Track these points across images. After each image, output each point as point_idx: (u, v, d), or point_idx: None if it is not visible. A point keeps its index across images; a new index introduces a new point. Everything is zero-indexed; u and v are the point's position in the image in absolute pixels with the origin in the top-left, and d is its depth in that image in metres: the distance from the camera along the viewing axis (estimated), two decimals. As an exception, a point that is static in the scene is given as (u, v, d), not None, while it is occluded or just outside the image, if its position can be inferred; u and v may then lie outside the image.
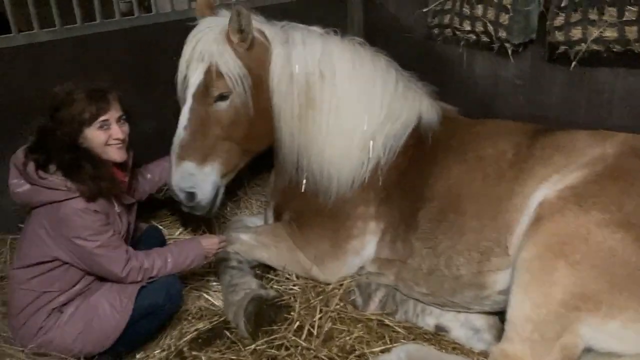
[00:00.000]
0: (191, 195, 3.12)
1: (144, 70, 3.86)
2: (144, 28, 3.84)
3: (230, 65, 2.97)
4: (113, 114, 2.76)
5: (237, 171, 3.31)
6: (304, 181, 3.23)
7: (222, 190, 3.26)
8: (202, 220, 3.77)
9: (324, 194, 3.18)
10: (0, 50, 3.34)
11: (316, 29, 3.32)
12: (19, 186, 2.69)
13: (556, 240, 2.40)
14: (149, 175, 3.31)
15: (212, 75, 2.98)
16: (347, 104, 3.12)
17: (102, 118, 2.72)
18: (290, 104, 3.08)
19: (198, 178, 3.09)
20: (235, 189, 4.23)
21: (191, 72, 3.04)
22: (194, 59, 3.02)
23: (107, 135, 2.75)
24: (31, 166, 2.66)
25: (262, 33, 3.13)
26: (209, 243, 2.99)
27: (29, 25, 3.50)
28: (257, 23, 3.17)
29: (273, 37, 3.14)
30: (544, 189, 2.61)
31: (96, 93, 2.73)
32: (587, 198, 2.44)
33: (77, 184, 2.64)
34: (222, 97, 3.02)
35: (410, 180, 3.09)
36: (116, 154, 2.80)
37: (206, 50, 2.98)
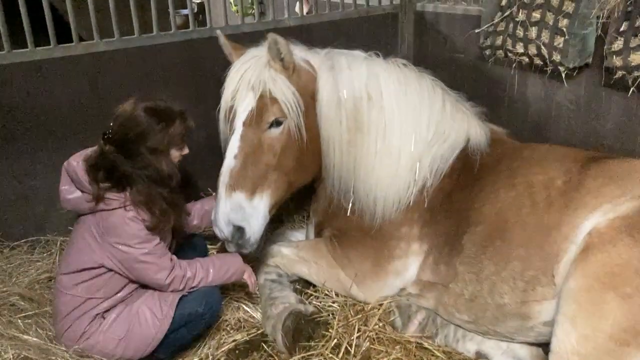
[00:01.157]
0: (239, 231, 2.92)
1: (197, 82, 3.95)
2: (198, 41, 3.93)
3: (285, 90, 2.93)
4: None
5: (279, 206, 3.18)
6: (350, 205, 3.18)
7: (266, 226, 3.07)
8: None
9: (370, 215, 3.14)
10: (61, 59, 3.48)
11: (359, 52, 3.30)
12: (69, 193, 2.78)
13: (606, 271, 2.32)
14: (188, 216, 3.30)
15: (265, 101, 2.93)
16: (394, 126, 3.10)
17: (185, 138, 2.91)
18: (339, 130, 3.05)
19: (247, 212, 2.91)
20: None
21: (239, 101, 2.98)
22: (241, 88, 2.97)
23: (180, 154, 2.92)
24: (86, 177, 2.72)
25: (307, 62, 3.13)
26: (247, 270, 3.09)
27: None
28: (301, 52, 3.17)
29: (319, 65, 3.14)
30: (595, 219, 2.52)
31: (185, 113, 2.89)
32: (640, 229, 2.36)
33: (145, 213, 2.73)
34: (277, 123, 2.96)
35: (456, 203, 3.04)
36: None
37: (257, 77, 2.93)
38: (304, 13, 4.85)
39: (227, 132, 3.08)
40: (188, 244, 3.38)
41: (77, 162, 2.77)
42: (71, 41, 3.54)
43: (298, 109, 2.96)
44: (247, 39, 3.97)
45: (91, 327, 2.75)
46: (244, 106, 2.97)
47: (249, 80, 2.95)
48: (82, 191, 2.74)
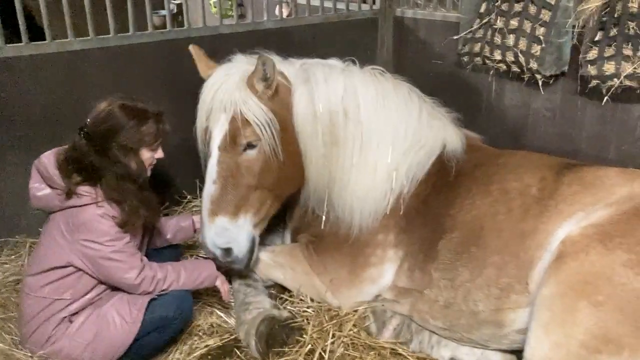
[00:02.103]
0: (227, 252, 2.99)
1: (174, 83, 3.91)
2: (175, 41, 3.88)
3: (256, 111, 2.87)
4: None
5: (269, 218, 3.20)
6: (324, 217, 3.16)
7: (257, 241, 3.12)
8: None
9: (346, 227, 3.11)
10: (34, 57, 3.40)
11: (336, 63, 3.26)
12: (39, 190, 2.73)
13: (579, 280, 2.33)
14: (162, 230, 3.28)
15: (237, 124, 2.88)
16: (372, 139, 3.07)
17: (159, 140, 2.87)
18: (316, 144, 3.02)
19: (232, 232, 2.96)
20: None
21: (213, 123, 2.95)
22: (214, 109, 2.93)
23: (152, 156, 2.87)
24: (57, 172, 2.69)
25: (282, 74, 3.07)
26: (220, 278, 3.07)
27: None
28: (276, 63, 3.08)
29: (294, 78, 3.09)
30: (568, 226, 2.54)
31: (161, 115, 2.86)
32: (612, 237, 2.37)
33: (116, 209, 2.69)
34: (251, 146, 2.93)
35: (431, 209, 3.03)
36: (149, 172, 2.92)
37: (228, 99, 2.89)
38: (284, 16, 4.82)
39: (206, 153, 3.06)
40: (161, 248, 3.32)
41: (47, 159, 2.74)
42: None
43: (272, 129, 2.91)
44: (225, 41, 3.96)
45: (58, 331, 2.69)
46: (218, 129, 2.93)
47: (221, 101, 2.90)
48: (52, 187, 2.70)
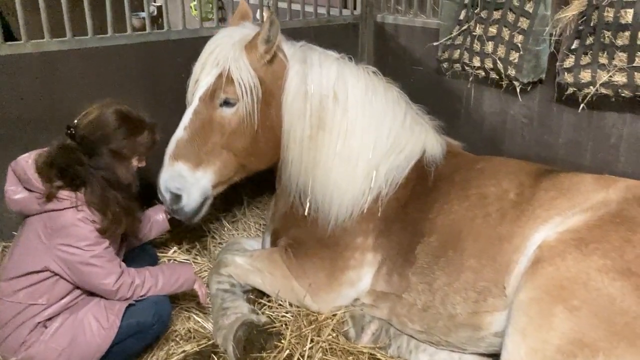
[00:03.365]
0: (177, 198, 3.07)
1: (153, 86, 3.87)
2: (155, 44, 3.85)
3: (243, 72, 2.96)
4: None
5: (229, 184, 3.25)
6: (308, 204, 3.17)
7: (209, 202, 3.20)
8: (197, 239, 3.79)
9: (323, 219, 3.13)
10: (9, 57, 3.34)
11: (332, 52, 3.32)
12: (15, 193, 2.68)
13: (555, 284, 2.36)
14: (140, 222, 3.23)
15: (222, 79, 2.98)
16: (356, 130, 3.11)
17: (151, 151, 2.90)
18: (302, 123, 3.06)
19: (188, 181, 3.04)
20: (234, 209, 4.21)
21: (203, 75, 3.04)
22: (208, 63, 3.03)
23: (136, 165, 2.87)
24: (36, 176, 2.63)
25: (280, 50, 3.14)
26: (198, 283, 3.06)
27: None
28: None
29: (291, 55, 3.16)
30: (545, 231, 2.57)
31: (155, 127, 2.88)
32: (588, 243, 2.41)
33: (97, 215, 2.66)
34: (228, 103, 3.01)
35: (410, 213, 3.05)
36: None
37: (222, 55, 2.99)
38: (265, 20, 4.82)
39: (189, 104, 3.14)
40: (137, 252, 3.28)
41: (26, 162, 2.68)
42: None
43: (253, 94, 2.98)
44: (205, 44, 3.93)
45: (32, 337, 2.62)
46: (206, 81, 3.03)
47: (216, 57, 3.01)
48: (29, 190, 2.65)
